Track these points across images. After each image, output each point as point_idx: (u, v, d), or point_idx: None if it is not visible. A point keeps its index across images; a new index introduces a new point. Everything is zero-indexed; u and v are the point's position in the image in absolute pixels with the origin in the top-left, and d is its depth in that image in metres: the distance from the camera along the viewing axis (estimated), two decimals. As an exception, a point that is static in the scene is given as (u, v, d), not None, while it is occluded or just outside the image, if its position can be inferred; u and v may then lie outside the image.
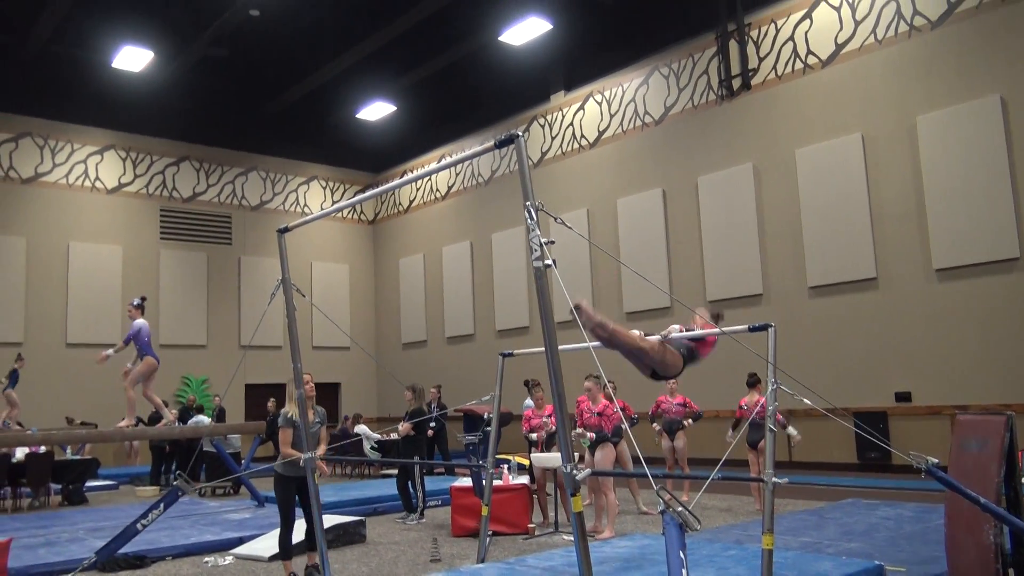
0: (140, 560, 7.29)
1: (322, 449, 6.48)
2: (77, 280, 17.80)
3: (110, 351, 9.59)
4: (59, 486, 12.55)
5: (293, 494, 6.31)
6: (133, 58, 15.83)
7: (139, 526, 6.12)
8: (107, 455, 17.23)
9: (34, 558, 7.27)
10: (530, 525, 8.38)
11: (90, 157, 18.47)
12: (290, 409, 6.36)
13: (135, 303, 9.65)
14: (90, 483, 13.42)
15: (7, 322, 16.76)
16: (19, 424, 13.52)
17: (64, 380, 16.95)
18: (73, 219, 18.03)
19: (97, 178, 18.51)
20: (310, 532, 6.37)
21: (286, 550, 6.29)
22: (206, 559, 7.50)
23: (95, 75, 17.05)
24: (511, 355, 7.11)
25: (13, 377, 13.37)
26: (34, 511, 11.70)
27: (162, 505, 6.23)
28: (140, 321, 9.47)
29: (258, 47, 16.76)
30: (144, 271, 18.75)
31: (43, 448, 12.37)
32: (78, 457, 14.01)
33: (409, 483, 9.75)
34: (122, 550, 6.80)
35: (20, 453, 12.41)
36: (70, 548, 7.80)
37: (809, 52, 13.03)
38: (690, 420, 10.26)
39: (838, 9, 12.69)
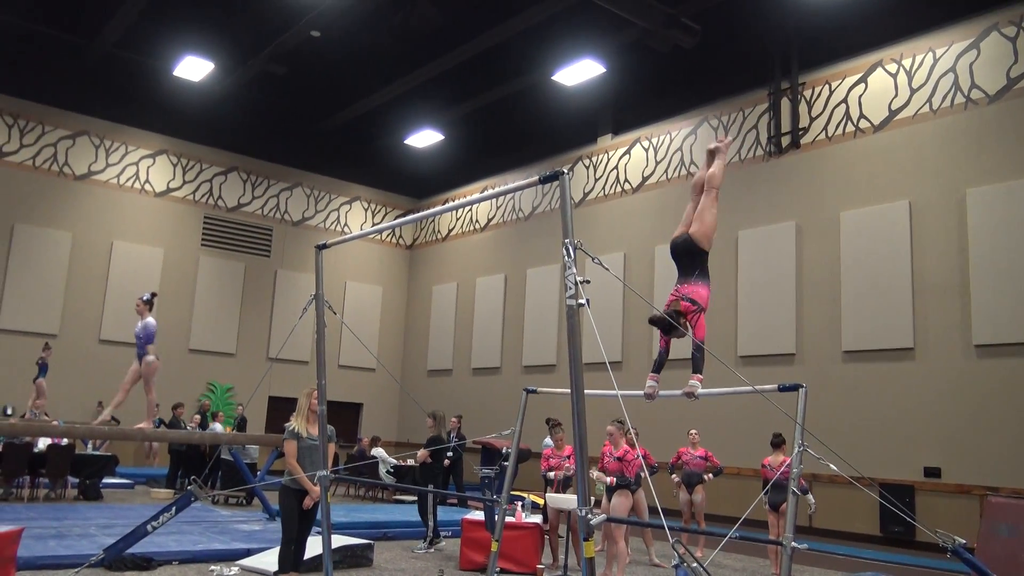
0: (147, 562, 7.29)
1: (328, 467, 6.43)
2: (117, 279, 18.10)
3: (152, 357, 9.22)
4: (76, 480, 12.66)
5: (297, 509, 6.29)
6: (194, 68, 16.24)
7: (149, 527, 6.11)
8: (127, 453, 17.38)
9: (44, 549, 7.32)
10: (539, 566, 8.25)
11: (142, 160, 18.88)
12: (295, 423, 6.38)
13: (145, 298, 9.14)
14: (107, 480, 13.52)
15: (45, 313, 17.08)
16: (46, 415, 13.70)
17: (94, 375, 17.15)
18: (119, 219, 18.40)
19: (147, 181, 18.90)
20: (296, 550, 6.34)
21: (284, 564, 6.27)
22: (212, 568, 7.48)
23: (156, 81, 17.50)
24: (535, 392, 7.05)
25: (43, 367, 13.57)
26: (50, 502, 11.80)
27: (174, 508, 6.23)
28: (152, 320, 9.19)
29: (315, 67, 17.09)
30: (182, 275, 19.04)
31: (65, 441, 12.50)
32: (98, 453, 14.14)
33: (429, 509, 9.66)
34: (130, 550, 6.80)
35: (42, 443, 12.56)
36: (80, 543, 7.84)
37: (862, 116, 12.96)
38: (710, 475, 10.09)
39: (894, 76, 12.63)
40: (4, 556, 5.69)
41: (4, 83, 17.08)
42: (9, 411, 14.05)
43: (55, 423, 12.12)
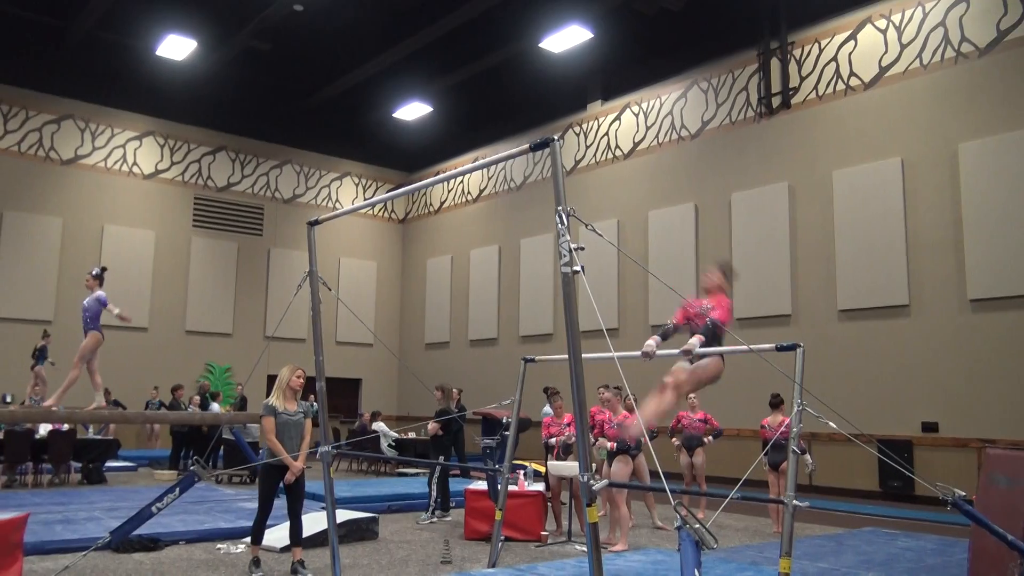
0: (153, 543, 7.33)
1: (306, 442, 6.56)
2: (109, 263, 17.88)
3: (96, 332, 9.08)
4: (79, 464, 12.70)
5: (275, 484, 6.40)
6: (177, 47, 16.04)
7: (154, 509, 6.15)
8: (129, 437, 17.43)
9: (50, 534, 7.35)
10: (543, 533, 8.33)
11: (129, 142, 18.73)
12: (273, 398, 6.48)
13: (94, 273, 9.04)
14: (110, 463, 13.57)
15: (39, 301, 17.02)
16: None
17: (91, 360, 17.13)
18: (109, 202, 18.29)
19: (135, 163, 18.76)
20: (293, 527, 6.46)
21: (257, 535, 6.44)
22: (219, 546, 7.53)
23: (139, 62, 17.30)
24: (533, 361, 7.07)
25: (42, 354, 13.52)
26: (54, 488, 11.85)
27: (178, 489, 6.26)
28: (103, 293, 9.10)
29: (300, 42, 16.90)
30: (175, 257, 18.97)
31: (66, 426, 12.52)
32: (100, 437, 14.17)
33: (436, 481, 9.70)
34: (136, 532, 6.84)
35: (43, 430, 12.57)
36: (86, 526, 7.88)
37: (852, 73, 12.88)
38: (710, 437, 10.15)
39: (884, 32, 12.54)
40: (11, 542, 5.71)
41: (-15, 69, 16.89)
42: (8, 399, 14.04)
43: (55, 409, 12.11)
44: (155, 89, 18.22)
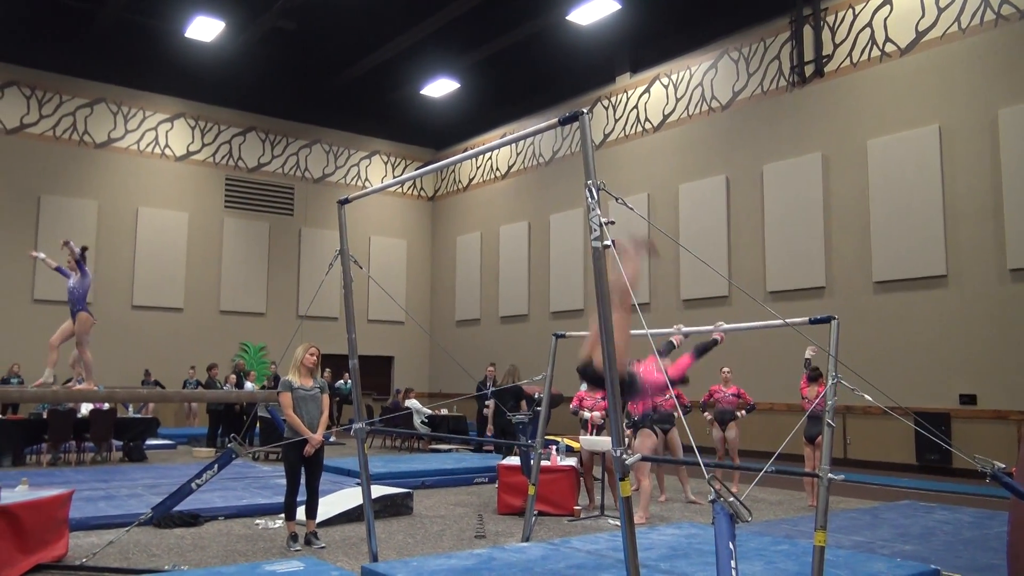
0: (194, 518, 7.48)
1: (324, 417, 6.74)
2: (144, 244, 18.28)
3: (43, 254, 9.21)
4: (121, 442, 12.96)
5: (300, 458, 6.56)
6: (205, 28, 16.11)
7: (194, 485, 6.24)
8: (168, 415, 17.75)
9: (94, 510, 7.52)
10: (576, 507, 8.36)
11: (161, 124, 18.90)
12: (290, 375, 6.73)
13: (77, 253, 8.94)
14: (150, 441, 13.83)
15: (77, 282, 17.29)
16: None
17: (129, 341, 17.46)
18: (143, 185, 18.51)
19: (167, 145, 18.95)
20: (310, 501, 6.65)
21: (290, 511, 6.60)
22: (257, 521, 7.66)
23: (168, 44, 17.39)
24: (564, 336, 7.06)
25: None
26: (96, 465, 12.11)
27: (216, 466, 6.35)
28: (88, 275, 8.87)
29: (326, 21, 16.88)
30: (208, 238, 19.18)
31: (107, 405, 12.78)
32: (140, 416, 14.44)
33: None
34: (177, 508, 6.97)
35: (85, 409, 12.85)
36: (128, 502, 8.05)
37: (887, 39, 12.59)
38: (743, 411, 10.08)
39: (920, -5, 12.23)
40: (57, 518, 5.86)
41: (18, 54, 17.10)
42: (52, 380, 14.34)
43: (96, 388, 12.36)
44: (185, 71, 18.35)
